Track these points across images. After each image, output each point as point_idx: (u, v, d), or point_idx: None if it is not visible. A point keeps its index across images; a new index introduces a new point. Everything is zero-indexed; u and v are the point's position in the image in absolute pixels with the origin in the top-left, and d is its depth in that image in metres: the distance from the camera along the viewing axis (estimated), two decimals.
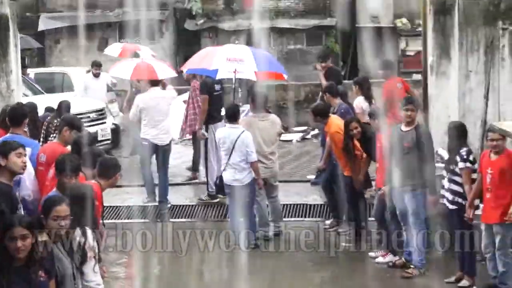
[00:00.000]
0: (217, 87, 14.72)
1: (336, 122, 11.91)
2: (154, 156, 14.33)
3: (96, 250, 6.92)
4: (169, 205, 14.05)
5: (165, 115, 14.38)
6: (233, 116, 12.06)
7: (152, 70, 15.68)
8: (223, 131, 12.19)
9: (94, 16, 29.29)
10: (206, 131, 14.35)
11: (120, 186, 12.87)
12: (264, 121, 12.48)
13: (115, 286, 10.04)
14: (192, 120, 15.17)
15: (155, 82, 14.96)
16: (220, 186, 12.47)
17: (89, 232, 6.82)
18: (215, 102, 14.57)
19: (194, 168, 15.77)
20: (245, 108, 14.82)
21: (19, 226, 5.97)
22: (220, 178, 12.28)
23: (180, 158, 17.29)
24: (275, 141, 12.64)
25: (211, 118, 14.41)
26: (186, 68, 15.67)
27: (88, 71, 19.78)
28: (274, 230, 12.42)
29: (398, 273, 10.57)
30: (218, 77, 14.10)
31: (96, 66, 19.15)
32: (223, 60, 13.95)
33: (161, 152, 14.24)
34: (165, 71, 16.17)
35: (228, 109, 12.52)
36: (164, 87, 15.80)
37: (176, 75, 17.02)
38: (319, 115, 12.13)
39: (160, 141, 14.17)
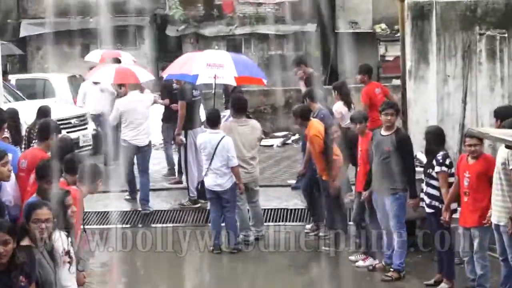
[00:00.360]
0: (195, 92, 14.75)
1: (316, 125, 11.91)
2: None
3: (72, 255, 6.87)
4: (150, 210, 14.10)
5: (144, 117, 14.68)
6: (214, 122, 12.10)
7: (132, 74, 16.23)
8: (203, 137, 12.19)
9: (75, 22, 29.17)
10: (185, 136, 14.33)
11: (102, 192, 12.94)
12: (244, 126, 12.50)
13: None
14: None
15: (133, 86, 15.56)
16: (202, 191, 12.45)
17: (63, 236, 6.78)
18: (193, 108, 14.59)
19: (180, 171, 15.77)
20: (225, 113, 14.80)
21: (0, 232, 5.96)
22: (202, 183, 12.27)
23: (159, 164, 17.22)
24: (255, 146, 12.64)
25: (189, 123, 14.41)
26: (166, 73, 15.66)
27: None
28: (255, 235, 12.42)
29: (378, 276, 10.59)
30: (198, 82, 14.09)
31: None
32: (203, 66, 13.93)
33: (141, 153, 14.53)
34: (145, 75, 16.78)
35: (209, 114, 12.53)
36: (142, 91, 16.11)
37: (153, 78, 17.37)
38: (300, 117, 12.13)
39: (139, 142, 14.44)
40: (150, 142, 14.89)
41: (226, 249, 11.97)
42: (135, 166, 14.82)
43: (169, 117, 16.28)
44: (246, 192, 12.30)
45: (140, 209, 14.19)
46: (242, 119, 12.64)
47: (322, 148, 11.62)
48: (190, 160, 14.23)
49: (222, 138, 11.81)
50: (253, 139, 12.52)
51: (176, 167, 16.32)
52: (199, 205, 14.06)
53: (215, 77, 13.93)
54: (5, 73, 17.52)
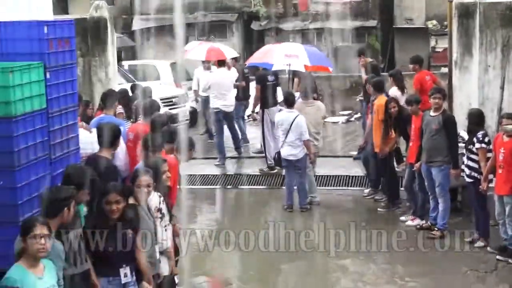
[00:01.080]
0: (270, 78, 14.79)
1: (382, 99, 11.84)
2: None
3: (164, 211, 6.96)
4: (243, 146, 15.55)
5: (229, 89, 15.50)
6: (290, 102, 12.12)
7: (220, 52, 17.44)
8: (281, 115, 12.21)
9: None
10: (262, 115, 14.36)
11: (194, 158, 13.15)
12: (311, 106, 12.49)
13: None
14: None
15: (221, 63, 16.21)
16: (278, 160, 12.50)
17: (156, 197, 6.86)
18: (268, 90, 14.60)
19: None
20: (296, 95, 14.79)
21: (113, 193, 6.07)
22: (278, 153, 12.31)
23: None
24: (320, 123, 12.65)
25: (265, 103, 14.46)
26: (250, 61, 16.11)
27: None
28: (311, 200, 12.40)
29: (424, 234, 10.49)
30: (273, 69, 14.41)
31: (207, 62, 17.92)
32: (282, 56, 14.10)
33: (229, 117, 15.40)
34: (231, 52, 18.01)
35: (285, 96, 12.51)
36: (229, 68, 16.63)
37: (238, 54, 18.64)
38: (374, 88, 12.07)
39: (226, 108, 15.21)
40: (233, 109, 15.51)
41: (297, 208, 12.01)
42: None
43: (242, 96, 16.70)
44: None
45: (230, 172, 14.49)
46: (309, 101, 12.64)
47: (383, 117, 11.51)
48: (266, 133, 14.29)
49: (296, 116, 11.82)
50: (318, 117, 12.52)
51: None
52: (275, 171, 14.09)
53: (288, 65, 14.13)
54: (119, 60, 17.72)
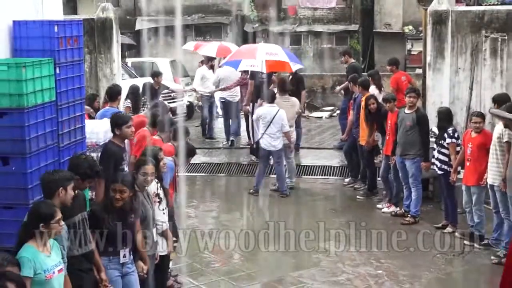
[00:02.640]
0: (263, 75, 14.73)
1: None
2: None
3: (161, 196, 6.95)
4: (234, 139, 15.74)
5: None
6: (271, 98, 12.15)
7: (229, 50, 17.73)
8: (264, 109, 12.21)
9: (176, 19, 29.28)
10: (253, 108, 14.24)
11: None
12: (286, 102, 12.52)
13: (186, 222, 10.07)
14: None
15: None
16: (256, 150, 12.44)
17: (153, 182, 6.83)
18: (260, 87, 14.51)
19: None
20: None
21: (120, 183, 6.05)
22: (257, 143, 12.28)
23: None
24: (294, 117, 12.66)
25: (257, 98, 14.35)
26: (229, 59, 15.71)
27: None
28: (290, 185, 12.40)
29: (398, 220, 10.52)
30: (238, 69, 14.72)
31: (211, 61, 17.75)
32: (263, 54, 14.01)
33: (233, 107, 15.84)
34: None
35: (267, 93, 12.54)
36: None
37: None
38: (362, 87, 12.01)
39: (231, 98, 15.81)
40: (239, 100, 15.83)
41: (277, 194, 12.02)
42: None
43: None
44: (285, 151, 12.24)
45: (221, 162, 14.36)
46: (285, 97, 12.64)
47: (364, 113, 11.51)
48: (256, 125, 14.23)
49: (278, 111, 11.83)
50: (292, 112, 12.52)
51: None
52: None
53: (253, 66, 14.21)
54: (123, 57, 17.64)
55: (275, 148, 11.91)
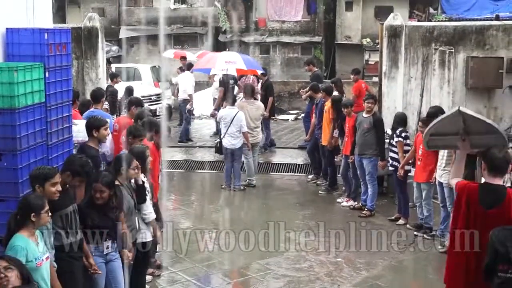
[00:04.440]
0: (231, 82, 14.82)
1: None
2: None
3: (148, 189, 6.90)
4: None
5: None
6: (232, 101, 12.19)
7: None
8: (224, 111, 12.20)
9: (157, 29, 29.11)
10: None
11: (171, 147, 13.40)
12: (252, 105, 12.49)
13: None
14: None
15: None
16: (219, 148, 12.37)
17: (141, 177, 6.79)
18: (229, 92, 14.52)
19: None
20: (240, 95, 14.77)
21: (99, 183, 5.94)
22: (220, 142, 12.23)
23: (210, 128, 17.31)
24: (258, 119, 12.58)
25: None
26: (196, 67, 16.24)
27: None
28: (251, 183, 12.32)
29: (356, 213, 10.57)
30: (211, 73, 15.12)
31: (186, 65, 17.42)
32: (222, 62, 14.36)
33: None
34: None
35: (229, 96, 12.57)
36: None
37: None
38: (326, 93, 11.93)
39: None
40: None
41: (233, 189, 11.96)
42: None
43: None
44: (252, 149, 12.27)
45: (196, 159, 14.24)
46: (250, 100, 12.62)
47: (333, 116, 11.48)
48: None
49: (237, 112, 11.82)
50: (257, 114, 12.49)
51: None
52: None
53: (226, 70, 14.45)
54: (107, 63, 17.45)
55: (234, 147, 11.89)
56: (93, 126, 7.34)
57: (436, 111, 9.15)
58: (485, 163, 5.09)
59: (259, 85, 15.13)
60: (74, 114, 8.41)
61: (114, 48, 25.35)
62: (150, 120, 8.32)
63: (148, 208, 6.87)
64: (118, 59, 27.30)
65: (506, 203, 4.95)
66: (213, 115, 14.86)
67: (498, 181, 5.04)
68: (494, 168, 5.02)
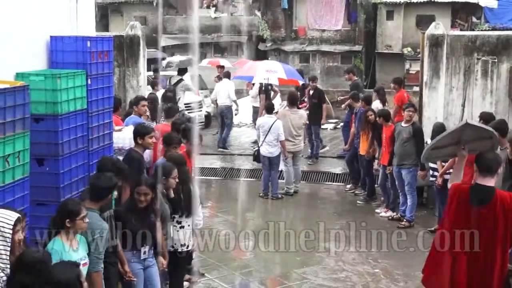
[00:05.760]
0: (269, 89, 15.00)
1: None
2: None
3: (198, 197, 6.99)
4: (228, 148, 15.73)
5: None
6: (270, 110, 12.12)
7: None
8: (262, 119, 12.18)
9: (197, 38, 29.39)
10: None
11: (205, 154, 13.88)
12: (294, 114, 12.44)
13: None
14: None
15: None
16: (257, 156, 12.34)
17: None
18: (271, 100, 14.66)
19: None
20: (283, 103, 14.88)
21: (144, 185, 6.01)
22: (258, 151, 12.23)
23: (250, 137, 17.33)
24: (301, 128, 12.55)
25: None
26: (235, 75, 16.28)
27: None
28: (294, 189, 12.34)
29: (395, 224, 10.46)
30: (253, 81, 14.94)
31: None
32: (263, 71, 14.42)
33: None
34: None
35: (266, 105, 12.54)
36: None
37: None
38: (365, 102, 11.93)
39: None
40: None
41: (271, 197, 11.95)
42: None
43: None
44: (293, 158, 12.23)
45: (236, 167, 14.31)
46: (294, 109, 12.59)
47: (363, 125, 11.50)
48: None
49: (275, 121, 11.81)
50: (300, 123, 12.44)
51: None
52: None
53: (267, 79, 14.49)
54: (148, 71, 17.61)
55: (272, 155, 11.88)
56: (139, 133, 7.41)
57: (490, 116, 9.17)
58: (476, 165, 5.36)
59: (310, 92, 14.94)
60: (117, 121, 8.54)
61: (176, 59, 25.38)
62: (183, 128, 8.37)
63: (200, 215, 6.98)
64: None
65: (493, 202, 5.19)
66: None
67: (489, 182, 5.27)
68: (484, 169, 5.28)
